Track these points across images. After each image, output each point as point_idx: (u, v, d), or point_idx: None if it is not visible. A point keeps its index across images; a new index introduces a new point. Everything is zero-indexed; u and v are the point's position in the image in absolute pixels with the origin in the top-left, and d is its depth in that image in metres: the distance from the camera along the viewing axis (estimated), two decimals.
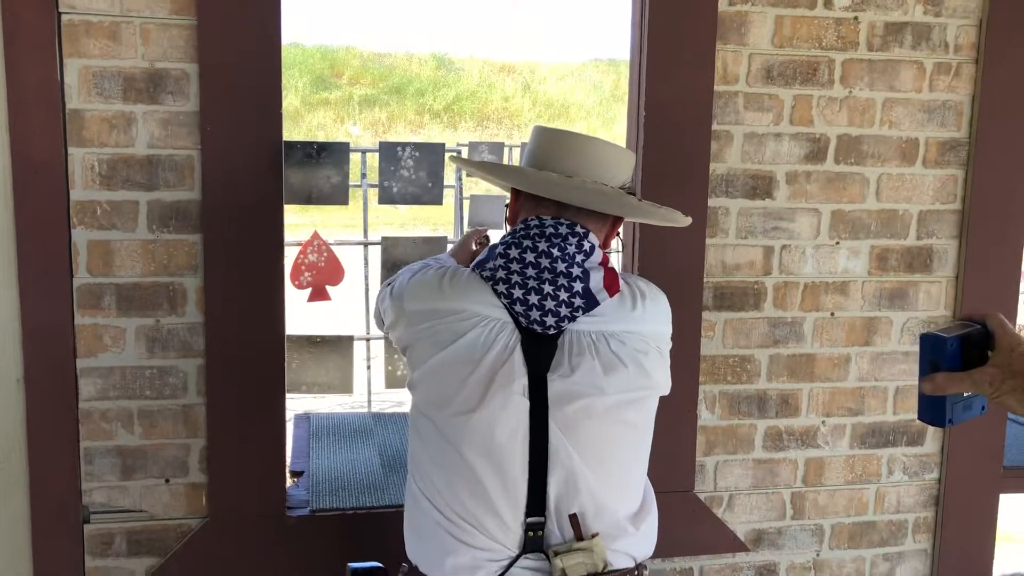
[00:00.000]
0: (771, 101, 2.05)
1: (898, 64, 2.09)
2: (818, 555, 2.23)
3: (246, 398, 1.89)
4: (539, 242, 1.40)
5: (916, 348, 2.20)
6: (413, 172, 5.83)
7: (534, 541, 1.40)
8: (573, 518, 1.40)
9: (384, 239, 5.96)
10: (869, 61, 2.07)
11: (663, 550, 2.12)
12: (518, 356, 1.38)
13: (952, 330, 1.07)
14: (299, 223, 9.73)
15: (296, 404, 4.23)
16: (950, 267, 2.18)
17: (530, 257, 1.39)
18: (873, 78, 2.08)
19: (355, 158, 6.22)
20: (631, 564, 1.47)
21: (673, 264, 2.04)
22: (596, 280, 1.41)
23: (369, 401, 5.95)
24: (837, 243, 2.13)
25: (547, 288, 1.38)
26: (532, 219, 1.44)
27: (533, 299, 1.38)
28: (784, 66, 2.04)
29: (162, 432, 1.89)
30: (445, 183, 6.49)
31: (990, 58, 2.10)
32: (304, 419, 2.56)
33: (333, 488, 2.06)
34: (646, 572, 1.52)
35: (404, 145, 5.89)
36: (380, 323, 1.62)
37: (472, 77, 25.83)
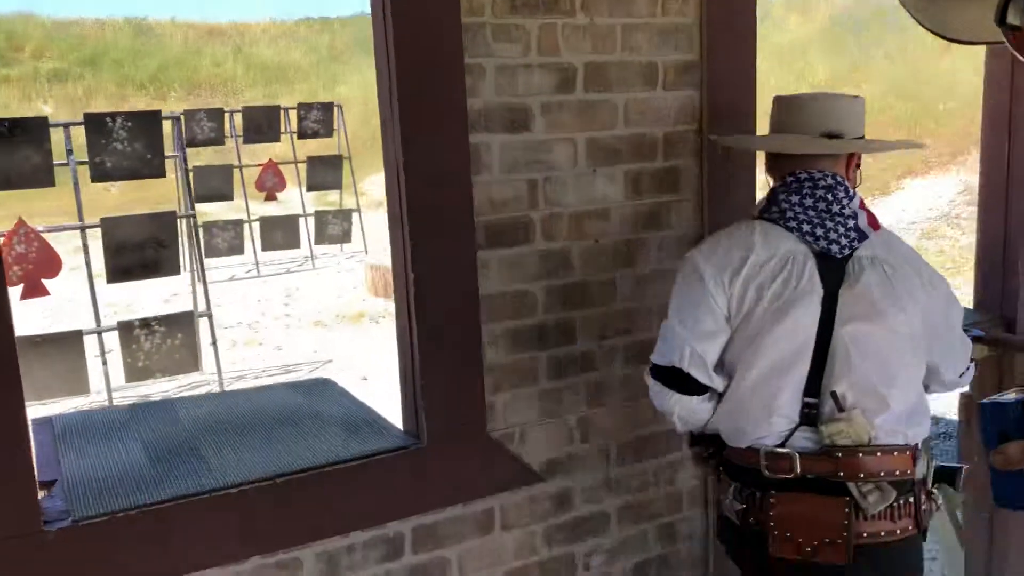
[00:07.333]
0: (518, 32, 2.04)
1: None
2: (607, 474, 2.31)
3: None
4: (816, 191, 1.82)
5: (676, 265, 2.31)
6: (128, 144, 5.34)
7: (809, 417, 1.78)
8: (834, 395, 1.76)
9: (104, 220, 5.43)
10: None
11: (460, 495, 2.12)
12: (816, 276, 1.78)
13: (1008, 395, 1.01)
14: None
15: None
16: (695, 186, 2.30)
17: (808, 202, 1.82)
18: (612, 5, 2.12)
19: (56, 135, 5.58)
20: (901, 441, 1.78)
21: (443, 205, 1.99)
22: (862, 219, 1.83)
23: (110, 399, 5.45)
24: (594, 171, 2.17)
25: (828, 223, 1.80)
26: (802, 173, 1.84)
27: (819, 232, 1.80)
28: None
29: None
30: (166, 153, 6.01)
31: None
32: (46, 423, 2.26)
33: (96, 491, 1.83)
34: (931, 464, 1.85)
35: (114, 116, 5.37)
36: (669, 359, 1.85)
37: (176, 43, 24.16)
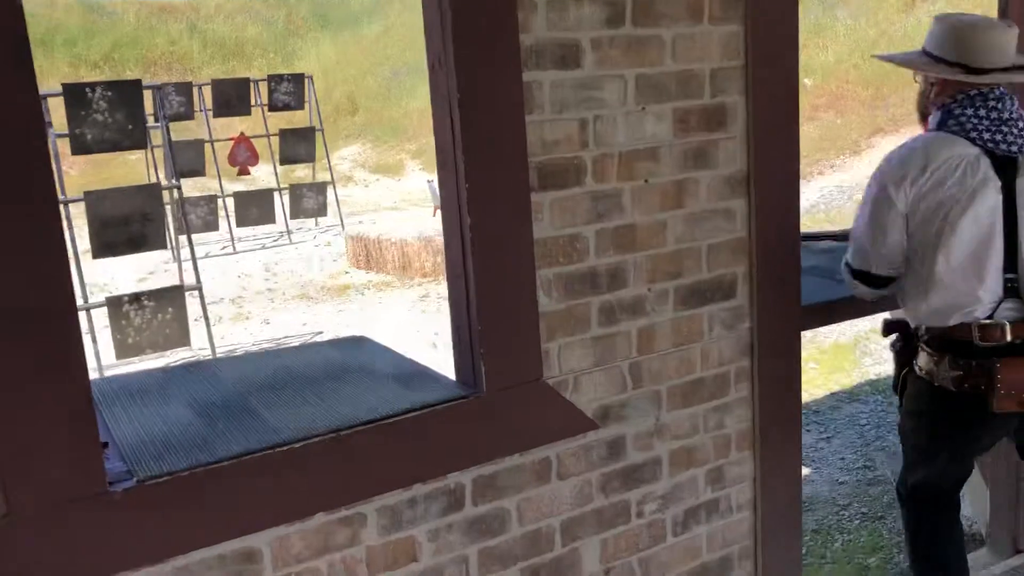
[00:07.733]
0: None
1: None
2: (658, 420, 2.28)
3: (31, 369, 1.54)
4: (987, 102, 2.18)
5: (723, 205, 2.27)
6: (109, 114, 5.17)
7: (1011, 291, 2.14)
8: None
9: (88, 194, 5.26)
10: None
11: (519, 443, 2.07)
12: (991, 170, 2.13)
13: None
14: None
15: None
16: (741, 123, 2.26)
17: (982, 112, 2.17)
18: None
19: None
20: None
21: (498, 146, 1.92)
22: None
23: (101, 377, 5.30)
24: (643, 109, 2.12)
25: (1004, 129, 2.15)
26: (973, 91, 2.19)
27: (998, 137, 2.14)
28: None
29: None
30: (148, 124, 5.82)
31: None
32: None
33: (155, 452, 1.76)
34: None
35: (94, 85, 5.18)
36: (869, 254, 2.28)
37: (129, 21, 23.62)
